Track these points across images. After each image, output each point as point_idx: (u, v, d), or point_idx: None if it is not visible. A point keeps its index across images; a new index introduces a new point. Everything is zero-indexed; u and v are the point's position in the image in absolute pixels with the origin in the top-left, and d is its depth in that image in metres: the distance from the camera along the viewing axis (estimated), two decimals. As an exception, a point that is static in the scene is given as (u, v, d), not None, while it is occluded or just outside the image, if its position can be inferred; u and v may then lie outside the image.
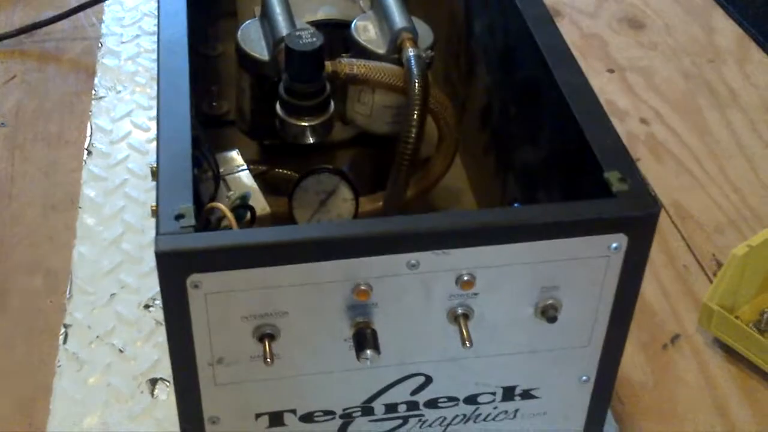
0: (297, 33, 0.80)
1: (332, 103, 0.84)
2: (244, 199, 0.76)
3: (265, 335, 0.60)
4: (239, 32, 0.91)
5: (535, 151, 0.79)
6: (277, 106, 0.84)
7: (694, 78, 1.23)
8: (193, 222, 0.58)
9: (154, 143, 1.08)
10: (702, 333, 0.90)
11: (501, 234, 0.59)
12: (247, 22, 0.93)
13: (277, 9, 0.89)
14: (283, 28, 0.86)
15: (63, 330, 0.89)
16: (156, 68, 0.74)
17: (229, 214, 0.65)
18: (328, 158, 0.94)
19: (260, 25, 0.92)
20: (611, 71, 1.24)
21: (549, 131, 0.75)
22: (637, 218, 0.59)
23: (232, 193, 0.82)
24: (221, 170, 0.86)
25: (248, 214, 0.75)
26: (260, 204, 0.83)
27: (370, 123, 0.91)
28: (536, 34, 0.77)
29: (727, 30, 1.32)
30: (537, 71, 0.76)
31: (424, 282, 0.60)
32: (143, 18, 1.31)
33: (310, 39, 0.79)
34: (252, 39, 0.90)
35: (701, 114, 1.18)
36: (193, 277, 0.57)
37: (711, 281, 0.95)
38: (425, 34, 0.91)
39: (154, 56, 1.22)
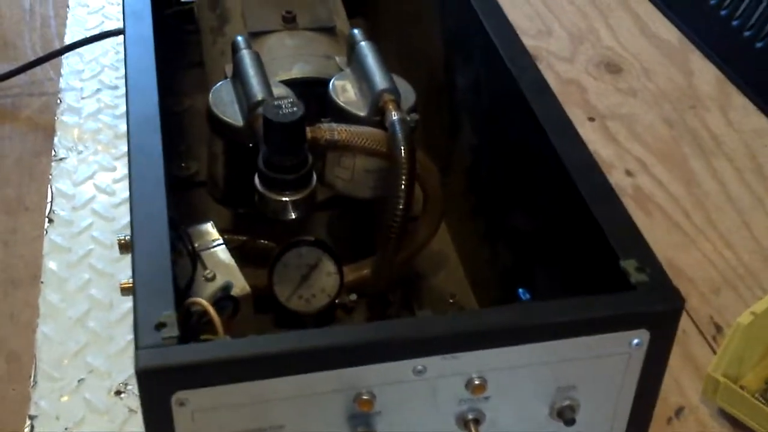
0: (276, 102, 0.75)
1: (314, 175, 0.79)
2: (225, 290, 0.70)
3: (259, 451, 0.55)
4: (210, 95, 0.86)
5: (532, 224, 0.75)
6: (256, 179, 0.78)
7: (677, 125, 1.20)
8: (176, 332, 0.53)
9: (120, 208, 1.05)
10: (706, 403, 0.86)
11: (513, 335, 0.54)
12: (219, 83, 0.88)
13: (250, 70, 0.84)
14: (258, 92, 0.81)
15: (28, 422, 0.83)
16: (120, 125, 0.69)
17: (213, 314, 0.60)
18: (306, 222, 0.89)
19: (232, 87, 0.86)
20: (592, 119, 1.20)
21: (549, 205, 0.71)
22: (661, 313, 0.55)
23: (208, 272, 0.77)
24: (196, 245, 0.80)
25: (230, 306, 0.69)
26: (240, 284, 0.77)
27: (351, 188, 0.86)
28: (530, 98, 0.72)
29: (705, 73, 1.29)
30: (532, 137, 0.71)
31: (432, 388, 0.55)
32: (103, 70, 1.25)
33: (290, 109, 0.74)
34: (225, 102, 0.85)
35: (687, 163, 1.14)
36: (179, 395, 0.52)
37: (710, 345, 0.92)
38: (407, 93, 0.87)
39: (116, 112, 1.18)
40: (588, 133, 1.18)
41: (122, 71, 1.23)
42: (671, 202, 1.09)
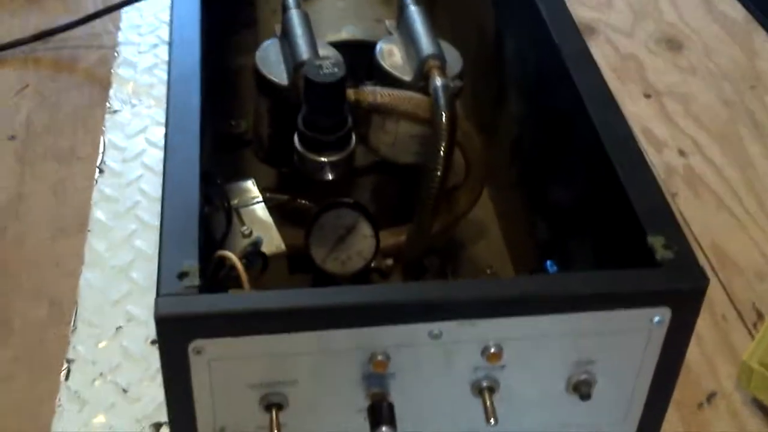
0: (317, 62, 0.75)
1: (353, 137, 0.79)
2: (255, 245, 0.71)
3: (273, 404, 0.56)
4: (257, 53, 0.86)
5: (569, 197, 0.74)
6: (295, 139, 0.79)
7: (735, 105, 1.18)
8: (197, 282, 0.54)
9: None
10: (740, 391, 0.85)
11: (533, 305, 0.54)
12: (267, 42, 0.88)
13: (298, 30, 0.84)
14: (304, 52, 0.81)
15: (65, 365, 0.85)
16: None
17: (240, 268, 0.61)
18: (348, 185, 0.89)
19: (280, 46, 0.87)
20: (648, 96, 1.18)
21: (585, 179, 0.70)
22: (684, 291, 0.54)
23: (245, 228, 0.78)
24: (236, 201, 0.81)
25: (260, 262, 0.70)
26: (275, 242, 0.78)
27: (394, 152, 0.86)
28: (572, 70, 0.71)
29: (770, 54, 1.26)
30: (573, 110, 0.70)
31: (447, 353, 0.55)
32: (161, 26, 1.26)
33: (331, 69, 0.74)
34: (271, 61, 0.85)
35: (742, 145, 1.12)
36: (196, 343, 0.53)
37: (750, 333, 0.90)
38: (453, 60, 0.86)
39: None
40: (643, 109, 1.16)
41: (180, 27, 1.25)
42: (723, 184, 1.07)
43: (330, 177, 0.78)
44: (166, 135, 0.65)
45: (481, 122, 0.95)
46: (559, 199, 0.76)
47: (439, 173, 0.77)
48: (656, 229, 0.57)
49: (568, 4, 0.82)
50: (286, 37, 0.85)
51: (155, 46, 1.22)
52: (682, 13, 1.32)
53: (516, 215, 0.91)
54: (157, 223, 0.97)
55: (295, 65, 0.81)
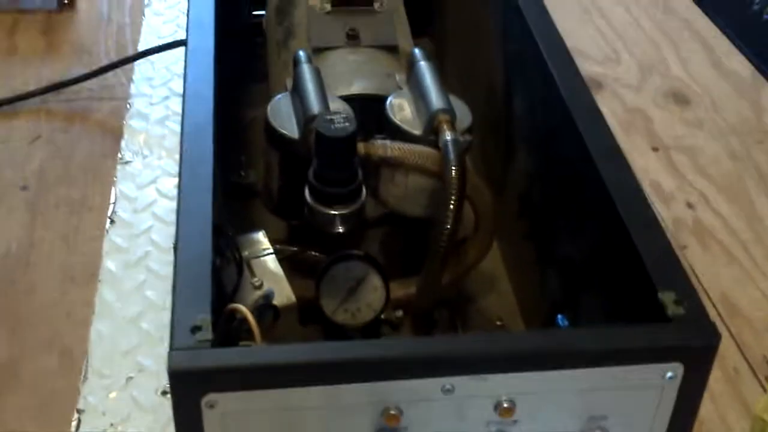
0: (329, 116, 0.76)
1: (364, 190, 0.80)
2: (267, 298, 0.71)
3: (286, 458, 0.56)
4: (269, 107, 0.87)
5: (578, 251, 0.74)
6: (306, 192, 0.80)
7: (742, 159, 1.18)
8: (210, 335, 0.54)
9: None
10: (752, 444, 0.84)
11: (545, 360, 0.54)
12: (278, 96, 0.89)
13: (309, 84, 0.86)
14: (314, 106, 0.82)
15: (75, 416, 0.85)
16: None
17: (251, 321, 0.61)
18: (357, 237, 0.89)
19: (291, 100, 0.88)
20: (656, 149, 1.19)
21: (594, 233, 0.70)
22: (696, 348, 0.54)
23: (256, 279, 0.78)
24: (246, 253, 0.81)
25: (271, 314, 0.70)
26: (285, 293, 0.79)
27: (403, 205, 0.87)
28: (581, 125, 0.72)
29: (777, 109, 1.27)
30: (582, 165, 0.71)
31: (460, 407, 0.55)
32: (173, 78, 1.27)
33: (342, 124, 0.75)
34: (282, 114, 0.86)
35: (749, 198, 1.13)
36: (209, 397, 0.53)
37: (762, 385, 0.90)
38: (463, 114, 0.87)
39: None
40: (651, 163, 1.17)
41: (192, 79, 1.26)
42: (731, 236, 1.07)
43: (340, 230, 0.79)
44: (179, 187, 0.66)
45: (491, 175, 0.96)
46: (569, 253, 0.77)
47: (448, 226, 0.77)
48: (667, 284, 0.57)
49: (576, 60, 0.83)
50: (297, 91, 0.86)
51: (167, 98, 1.24)
52: (689, 68, 1.33)
53: (526, 268, 0.91)
54: (168, 273, 0.99)
55: (305, 119, 0.82)
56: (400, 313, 0.87)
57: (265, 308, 0.71)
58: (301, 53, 0.90)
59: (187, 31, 0.82)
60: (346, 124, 0.74)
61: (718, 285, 1.01)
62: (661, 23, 1.42)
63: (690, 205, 1.11)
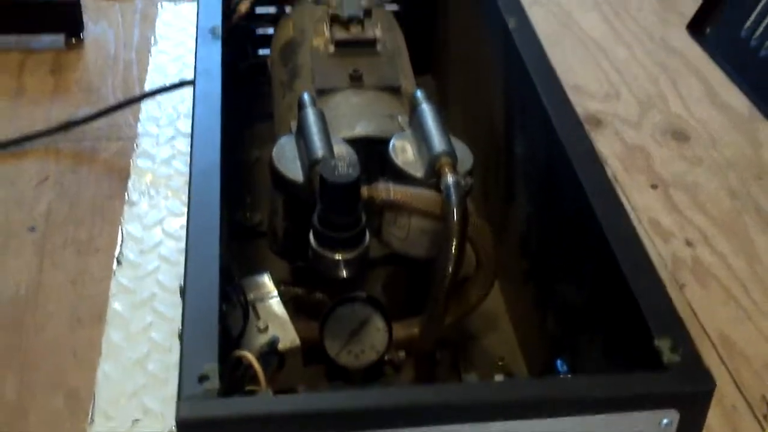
0: (333, 162, 0.78)
1: (367, 234, 0.81)
2: (272, 345, 0.73)
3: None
4: (274, 150, 0.89)
5: (577, 293, 0.76)
6: (310, 236, 0.81)
7: (741, 196, 1.20)
8: (217, 384, 0.55)
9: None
10: (751, 483, 0.85)
11: (545, 407, 0.55)
12: (283, 138, 0.91)
13: (314, 127, 0.87)
14: (318, 150, 0.84)
15: (83, 458, 0.86)
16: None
17: (257, 368, 0.62)
18: (360, 277, 0.91)
19: (296, 143, 0.89)
20: (654, 187, 1.21)
21: (591, 276, 0.72)
22: (691, 395, 0.56)
23: (261, 322, 0.79)
24: (251, 296, 0.83)
25: (276, 360, 0.72)
26: (290, 336, 0.80)
27: (406, 247, 0.88)
28: (579, 171, 0.74)
29: (775, 145, 1.28)
30: (580, 209, 0.73)
31: (462, 454, 0.56)
32: (179, 117, 1.29)
33: (346, 170, 0.77)
34: (287, 157, 0.88)
35: (748, 236, 1.14)
36: (217, 446, 0.54)
37: (761, 424, 0.91)
38: (464, 156, 0.88)
39: (187, 159, 1.22)
40: (650, 200, 1.18)
41: (197, 119, 1.28)
42: (730, 275, 1.09)
43: (344, 275, 0.80)
44: (187, 233, 0.67)
45: (491, 216, 0.98)
46: (568, 295, 0.78)
47: (450, 270, 0.79)
48: (663, 331, 0.58)
49: (576, 96, 0.85)
50: (302, 135, 0.88)
51: (173, 138, 1.26)
52: (688, 104, 1.35)
53: (526, 309, 0.92)
54: (174, 315, 1.00)
55: (310, 163, 0.84)
56: (402, 354, 0.88)
57: (270, 354, 0.72)
58: (306, 96, 0.91)
59: (195, 75, 0.83)
60: (350, 170, 0.76)
61: (717, 324, 1.02)
62: (660, 59, 1.44)
63: (689, 243, 1.13)
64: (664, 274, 0.83)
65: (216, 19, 0.86)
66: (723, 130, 1.31)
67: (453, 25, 1.20)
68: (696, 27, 1.46)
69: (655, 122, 1.32)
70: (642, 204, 1.17)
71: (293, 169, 0.86)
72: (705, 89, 1.38)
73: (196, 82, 0.83)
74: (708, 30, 1.44)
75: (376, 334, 0.85)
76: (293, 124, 0.92)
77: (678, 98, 1.36)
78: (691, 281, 1.07)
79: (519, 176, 0.93)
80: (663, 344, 0.58)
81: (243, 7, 1.06)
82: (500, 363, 0.93)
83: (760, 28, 1.36)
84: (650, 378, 0.56)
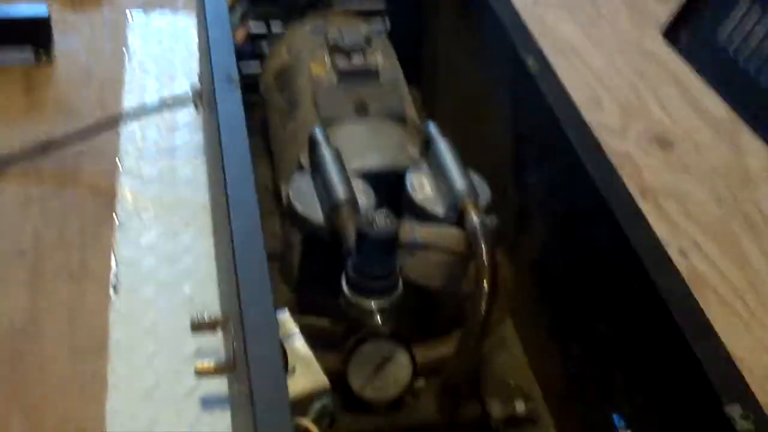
0: (370, 218, 0.77)
1: (401, 282, 0.81)
2: (324, 408, 0.72)
3: None
4: (291, 188, 0.88)
5: (612, 340, 0.76)
6: (343, 284, 0.80)
7: (728, 204, 1.21)
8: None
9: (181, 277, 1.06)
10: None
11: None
12: (298, 176, 0.90)
13: (332, 167, 0.87)
14: (340, 192, 0.84)
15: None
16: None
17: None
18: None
19: (312, 181, 0.88)
20: (645, 197, 1.22)
21: (636, 329, 0.71)
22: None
23: (291, 367, 0.78)
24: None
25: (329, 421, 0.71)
26: (320, 379, 0.79)
27: (424, 278, 0.88)
28: (619, 216, 0.74)
29: (758, 151, 1.30)
30: (619, 258, 0.73)
31: None
32: (161, 134, 1.26)
33: (384, 223, 0.76)
34: (305, 196, 0.87)
35: (739, 244, 1.16)
36: None
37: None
38: (482, 190, 0.89)
39: (177, 176, 1.19)
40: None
41: (180, 134, 1.26)
42: (725, 284, 1.10)
43: (379, 322, 0.80)
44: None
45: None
46: (600, 343, 0.78)
47: (483, 310, 0.78)
48: (731, 396, 0.58)
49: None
50: (319, 174, 0.87)
51: (157, 155, 1.22)
52: (669, 111, 1.36)
53: (543, 338, 0.92)
54: (176, 340, 0.98)
55: (331, 205, 0.84)
56: (422, 382, 0.88)
57: (323, 416, 0.71)
58: (319, 133, 0.90)
59: (219, 127, 0.79)
60: (388, 221, 0.75)
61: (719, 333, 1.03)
62: (638, 66, 1.45)
63: (683, 253, 1.14)
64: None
65: (230, 64, 0.83)
66: (706, 136, 1.32)
67: (442, 38, 1.20)
68: (672, 34, 1.47)
69: (639, 130, 1.33)
70: (634, 215, 1.18)
71: (312, 210, 0.86)
72: (684, 96, 1.40)
73: (222, 136, 0.80)
74: (683, 37, 1.45)
75: (401, 370, 0.85)
76: (303, 158, 0.92)
77: (658, 105, 1.37)
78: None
79: (532, 205, 0.93)
80: (734, 411, 0.58)
81: (239, 37, 1.04)
82: (512, 383, 0.93)
83: (737, 34, 1.38)
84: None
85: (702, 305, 1.06)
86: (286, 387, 0.58)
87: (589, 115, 1.33)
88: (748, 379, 0.98)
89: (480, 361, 0.93)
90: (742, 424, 0.57)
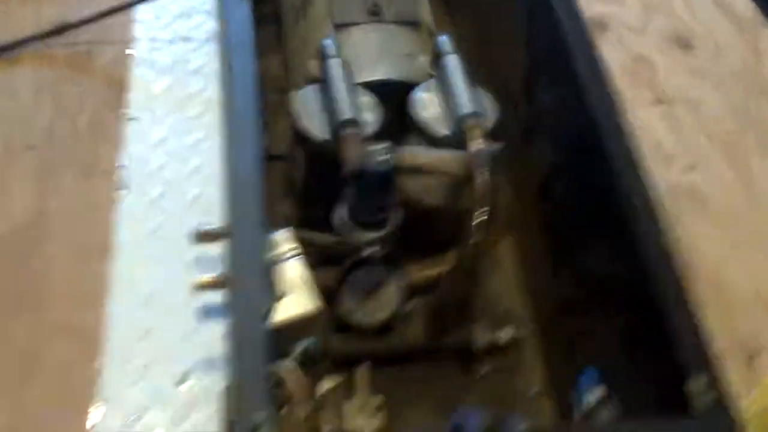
0: (369, 150, 0.77)
1: (399, 213, 0.82)
2: (306, 351, 0.74)
3: None
4: (296, 103, 0.87)
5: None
6: (340, 210, 0.81)
7: (743, 115, 1.19)
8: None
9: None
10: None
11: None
12: (304, 90, 0.89)
13: (340, 83, 0.86)
14: (346, 110, 0.84)
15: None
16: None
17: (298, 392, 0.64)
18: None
19: (320, 95, 0.88)
20: (659, 103, 1.20)
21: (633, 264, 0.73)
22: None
23: (281, 292, 0.79)
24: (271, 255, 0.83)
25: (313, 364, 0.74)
26: (310, 305, 0.80)
27: (422, 197, 0.88)
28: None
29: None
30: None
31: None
32: (174, 20, 1.24)
33: (383, 157, 0.77)
34: (310, 111, 0.87)
35: (747, 161, 1.14)
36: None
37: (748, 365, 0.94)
38: (490, 109, 0.88)
39: (189, 67, 1.19)
40: (653, 119, 1.18)
41: (194, 20, 1.24)
42: (728, 204, 1.10)
43: (375, 249, 0.82)
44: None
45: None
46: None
47: (474, 239, 0.79)
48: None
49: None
50: (327, 88, 0.87)
51: (171, 42, 1.21)
52: (693, 8, 1.32)
53: (540, 262, 0.94)
54: (181, 241, 0.99)
55: (336, 124, 0.84)
56: (410, 305, 0.90)
57: (306, 359, 0.73)
58: (329, 44, 0.90)
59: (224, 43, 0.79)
60: (387, 155, 0.76)
61: (710, 260, 1.03)
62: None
63: (690, 168, 1.13)
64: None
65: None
66: (728, 38, 1.29)
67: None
68: None
69: (660, 29, 1.29)
70: (646, 123, 1.17)
71: (318, 125, 0.86)
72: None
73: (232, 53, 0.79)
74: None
75: (393, 293, 0.87)
76: (311, 65, 0.91)
77: (682, 1, 1.33)
78: (687, 210, 1.08)
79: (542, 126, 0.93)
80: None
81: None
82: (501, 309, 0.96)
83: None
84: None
85: (698, 224, 1.07)
86: (264, 322, 0.60)
87: (608, 8, 1.31)
88: (727, 305, 0.99)
89: (473, 284, 0.95)
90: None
